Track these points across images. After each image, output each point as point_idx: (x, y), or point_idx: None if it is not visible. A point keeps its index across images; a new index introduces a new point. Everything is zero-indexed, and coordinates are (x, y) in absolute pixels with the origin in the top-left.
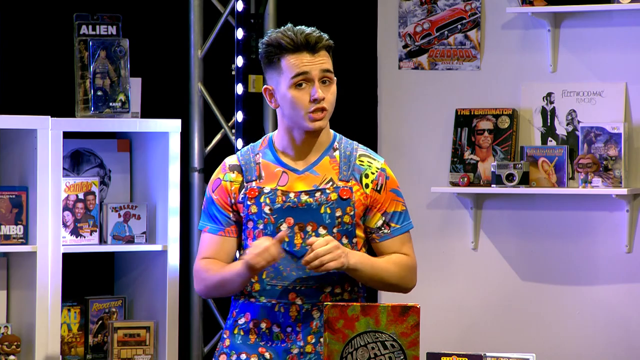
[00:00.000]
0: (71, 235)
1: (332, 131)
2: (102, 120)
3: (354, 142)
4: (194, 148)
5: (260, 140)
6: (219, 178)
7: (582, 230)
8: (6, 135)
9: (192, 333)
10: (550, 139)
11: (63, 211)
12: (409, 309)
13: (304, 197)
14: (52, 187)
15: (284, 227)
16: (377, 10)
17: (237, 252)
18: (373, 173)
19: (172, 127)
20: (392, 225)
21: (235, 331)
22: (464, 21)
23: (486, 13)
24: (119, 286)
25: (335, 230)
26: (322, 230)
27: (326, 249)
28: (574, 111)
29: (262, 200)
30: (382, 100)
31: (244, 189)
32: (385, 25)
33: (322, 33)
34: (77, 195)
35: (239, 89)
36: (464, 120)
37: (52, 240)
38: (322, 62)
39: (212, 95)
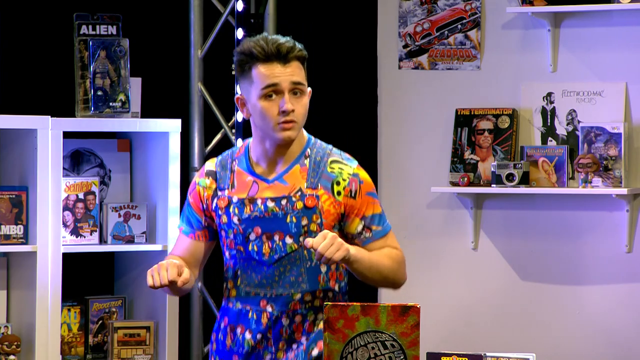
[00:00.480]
0: (71, 235)
1: (307, 135)
2: (102, 120)
3: (329, 145)
4: (194, 148)
5: (240, 145)
6: (195, 182)
7: (582, 230)
8: (6, 135)
9: (192, 333)
10: (550, 138)
11: (63, 211)
12: (409, 308)
13: (270, 205)
14: (52, 187)
15: (252, 236)
16: (377, 10)
17: (204, 258)
18: (345, 179)
19: (172, 127)
20: (374, 228)
21: (219, 335)
22: (464, 21)
23: (486, 13)
24: (119, 286)
25: (301, 239)
26: (288, 240)
27: (327, 242)
28: (574, 111)
29: (231, 210)
30: (382, 100)
31: (216, 198)
32: (385, 25)
33: (296, 43)
34: (77, 195)
35: (239, 88)
36: (464, 120)
37: (52, 240)
38: (292, 73)
39: (212, 95)
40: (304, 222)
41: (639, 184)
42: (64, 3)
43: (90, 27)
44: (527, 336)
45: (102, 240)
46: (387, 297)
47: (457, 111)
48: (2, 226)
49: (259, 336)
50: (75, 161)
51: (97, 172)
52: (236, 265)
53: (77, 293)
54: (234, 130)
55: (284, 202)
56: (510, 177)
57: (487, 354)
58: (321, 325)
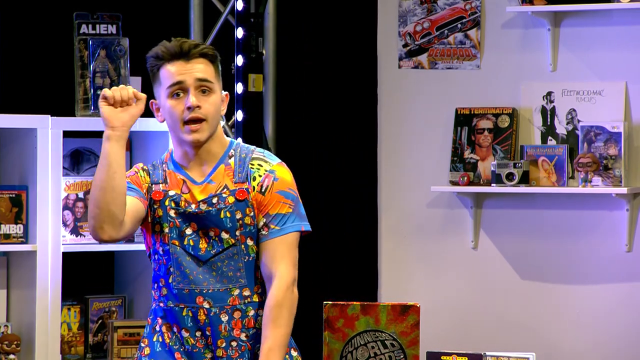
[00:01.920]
0: (71, 234)
1: (228, 139)
2: (102, 120)
3: (253, 147)
4: None
5: (165, 153)
6: (133, 171)
7: (582, 230)
8: (6, 134)
9: None
10: (550, 138)
11: (63, 210)
12: (409, 308)
13: (203, 207)
14: (52, 186)
15: (188, 231)
16: (377, 9)
17: (151, 257)
18: (260, 175)
19: None
20: (272, 226)
21: (155, 338)
22: (464, 20)
23: (486, 12)
24: (118, 285)
25: (238, 233)
26: (224, 235)
27: None
28: (574, 110)
29: (167, 203)
30: (382, 99)
31: (150, 190)
32: (385, 24)
33: (203, 44)
34: (77, 194)
35: (239, 88)
36: (464, 120)
37: (52, 240)
38: (197, 70)
39: None
40: (238, 215)
41: (638, 183)
42: (63, 2)
43: (90, 26)
44: (526, 335)
45: None
46: (387, 296)
47: (457, 110)
48: (2, 225)
49: (197, 334)
50: (75, 160)
51: None
52: (169, 261)
53: (77, 292)
54: (233, 130)
55: (215, 200)
56: (510, 176)
57: (487, 353)
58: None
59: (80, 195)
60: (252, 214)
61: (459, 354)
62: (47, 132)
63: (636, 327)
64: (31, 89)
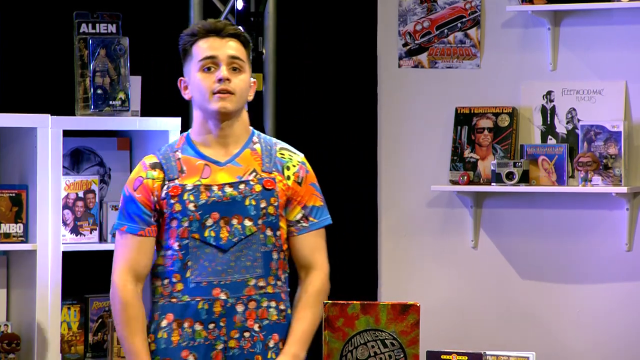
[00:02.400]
0: (71, 233)
1: (251, 128)
2: (102, 119)
3: (273, 138)
4: None
5: (177, 139)
6: (140, 177)
7: (582, 229)
8: (6, 133)
9: None
10: (550, 137)
11: (63, 209)
12: (409, 307)
13: (228, 190)
14: (52, 185)
15: (209, 222)
16: (377, 8)
17: (156, 252)
18: (294, 165)
19: (172, 125)
20: (310, 219)
21: (159, 335)
22: (463, 19)
23: (486, 11)
24: None
25: (260, 221)
26: (247, 222)
27: None
28: (574, 109)
29: (185, 197)
30: (382, 98)
31: (166, 187)
32: (385, 23)
33: (237, 25)
34: (77, 194)
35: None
36: (464, 119)
37: (52, 239)
38: (230, 47)
39: None
40: (263, 204)
41: (638, 182)
42: (63, 2)
43: (90, 25)
44: (526, 335)
45: (102, 239)
46: (387, 295)
47: (457, 110)
48: (2, 224)
49: (211, 326)
50: (75, 160)
51: (97, 170)
52: (186, 256)
53: (77, 291)
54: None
55: (242, 186)
56: (510, 175)
57: (487, 352)
58: (275, 317)
59: (80, 194)
60: (276, 203)
61: (459, 353)
62: (47, 131)
63: (636, 326)
64: (31, 88)
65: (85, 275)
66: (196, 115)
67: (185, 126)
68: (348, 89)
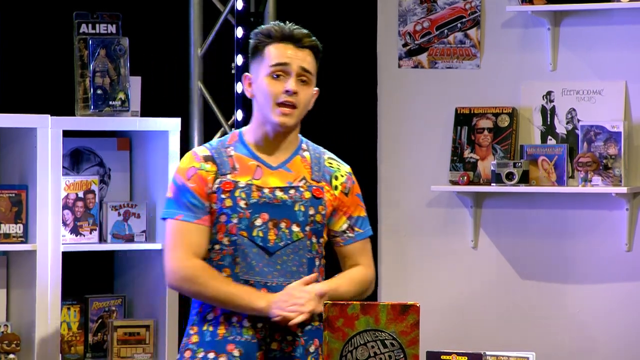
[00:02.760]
0: (71, 233)
1: (299, 135)
2: (101, 119)
3: (319, 146)
4: (193, 147)
5: (228, 136)
6: (193, 167)
7: (582, 229)
8: (6, 134)
9: None
10: (550, 137)
11: (63, 210)
12: (409, 307)
13: (278, 194)
14: (52, 185)
15: (258, 222)
16: (376, 8)
17: (212, 239)
18: (342, 175)
19: (171, 125)
20: (356, 229)
21: (205, 327)
22: (463, 20)
23: (486, 12)
24: (118, 285)
25: (307, 228)
26: (295, 228)
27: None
28: (574, 110)
29: (237, 194)
30: (382, 99)
31: (218, 181)
32: (385, 23)
33: (313, 35)
34: (76, 194)
35: (239, 87)
36: (464, 119)
37: (51, 239)
38: (304, 59)
39: (211, 93)
40: (311, 211)
41: (638, 182)
42: (63, 2)
43: (90, 25)
44: (526, 335)
45: (101, 239)
46: (387, 296)
47: (456, 110)
48: (2, 225)
49: (259, 324)
50: (75, 160)
51: (97, 170)
52: (235, 252)
53: (76, 292)
54: (233, 129)
55: (292, 191)
56: (510, 175)
57: (487, 352)
58: (317, 322)
59: (80, 194)
60: (323, 212)
61: (458, 354)
62: (47, 131)
63: (636, 326)
64: (31, 89)
65: (85, 276)
66: (255, 116)
67: (185, 126)
68: (348, 89)
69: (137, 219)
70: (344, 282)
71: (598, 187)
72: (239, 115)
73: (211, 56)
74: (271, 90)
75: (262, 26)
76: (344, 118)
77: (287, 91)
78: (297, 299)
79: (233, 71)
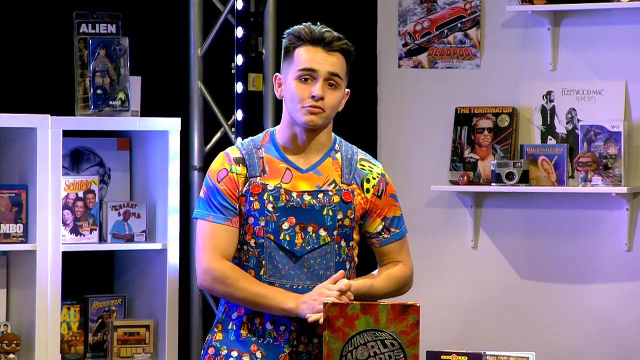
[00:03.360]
0: (71, 233)
1: (333, 134)
2: (101, 119)
3: (353, 146)
4: (193, 146)
5: (261, 135)
6: (225, 169)
7: (582, 229)
8: (6, 133)
9: (191, 331)
10: (550, 137)
11: (63, 210)
12: (409, 307)
13: (306, 198)
14: (52, 185)
15: (285, 225)
16: (376, 8)
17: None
18: (374, 178)
19: (171, 125)
20: (392, 230)
21: (229, 326)
22: (463, 20)
23: (486, 11)
24: (118, 285)
25: (335, 232)
26: (322, 232)
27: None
28: (574, 110)
29: (265, 197)
30: (382, 98)
31: (248, 183)
32: (385, 23)
33: (344, 38)
34: (76, 194)
35: (239, 87)
36: (464, 119)
37: (51, 239)
38: (333, 63)
39: (211, 93)
40: (339, 216)
41: (638, 182)
42: (63, 2)
43: (89, 25)
44: (526, 335)
45: (101, 239)
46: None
47: (456, 110)
48: (2, 225)
49: (282, 327)
50: (74, 160)
51: (97, 170)
52: (261, 254)
53: (76, 292)
54: (233, 129)
55: (320, 195)
56: (510, 175)
57: (487, 352)
58: None
59: (80, 194)
60: (352, 216)
61: (458, 354)
62: (47, 131)
63: (636, 326)
64: (31, 89)
65: (85, 275)
66: (285, 116)
67: (185, 126)
68: (348, 88)
69: (137, 218)
70: (380, 279)
71: (598, 187)
72: (239, 115)
73: (211, 56)
74: (298, 94)
75: (294, 27)
76: (344, 117)
77: (313, 96)
78: (326, 298)
79: (233, 71)
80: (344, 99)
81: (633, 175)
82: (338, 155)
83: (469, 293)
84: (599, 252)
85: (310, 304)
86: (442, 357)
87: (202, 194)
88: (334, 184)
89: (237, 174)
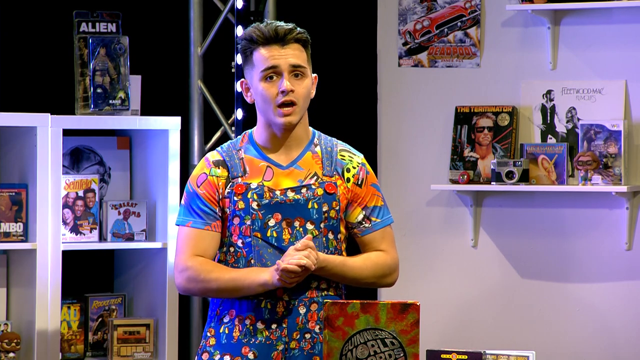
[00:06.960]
0: (71, 232)
1: (310, 128)
2: (101, 118)
3: (333, 138)
4: (193, 145)
5: (240, 137)
6: (204, 173)
7: (582, 228)
8: (6, 132)
9: (191, 330)
10: (550, 136)
11: (63, 209)
12: (409, 306)
13: (290, 194)
14: (52, 184)
15: (271, 222)
16: (377, 7)
17: (219, 249)
18: (354, 167)
19: (171, 124)
20: (373, 219)
21: (221, 329)
22: (463, 19)
23: (486, 10)
24: (118, 284)
25: (322, 225)
26: (309, 226)
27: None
28: (574, 109)
29: (249, 196)
30: (382, 97)
31: (230, 184)
32: (385, 22)
33: (297, 27)
34: (77, 193)
35: (239, 86)
36: (464, 118)
37: (51, 238)
38: (292, 55)
39: (211, 92)
40: (325, 208)
41: (638, 181)
42: (63, 1)
43: (89, 24)
44: (526, 334)
45: (101, 238)
46: (387, 294)
47: (456, 109)
48: (2, 224)
49: (273, 326)
50: (75, 159)
51: (97, 169)
52: (250, 253)
53: (76, 291)
54: (233, 128)
55: (304, 190)
56: (510, 174)
57: (487, 351)
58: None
59: (80, 193)
60: (337, 207)
61: (458, 352)
62: (47, 130)
63: (636, 325)
64: (31, 88)
65: (85, 275)
66: (260, 118)
67: (185, 125)
68: (348, 88)
69: (137, 217)
70: (356, 258)
71: (598, 186)
72: (239, 114)
73: (211, 55)
74: (267, 94)
75: (246, 30)
76: (345, 116)
77: (282, 91)
78: (292, 256)
79: (233, 70)
80: (313, 85)
81: (633, 174)
82: (317, 148)
83: (468, 292)
84: (599, 251)
85: (281, 265)
86: (442, 356)
87: (182, 201)
88: (316, 177)
89: (216, 176)
